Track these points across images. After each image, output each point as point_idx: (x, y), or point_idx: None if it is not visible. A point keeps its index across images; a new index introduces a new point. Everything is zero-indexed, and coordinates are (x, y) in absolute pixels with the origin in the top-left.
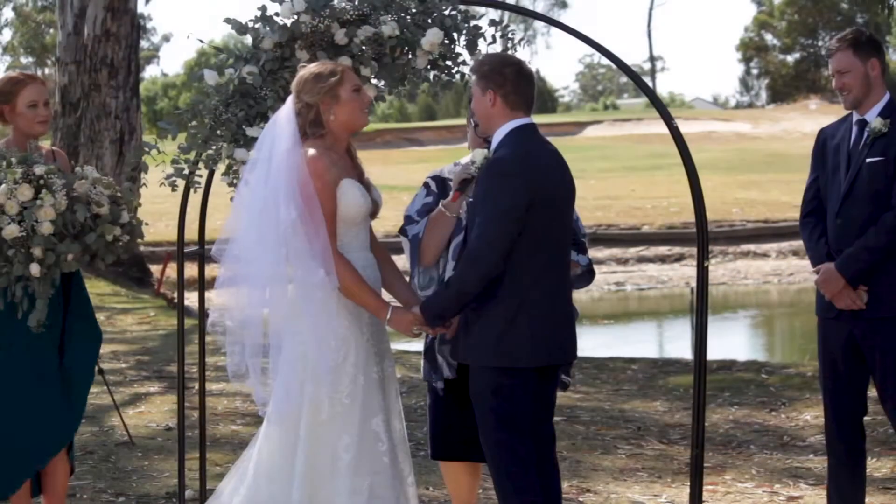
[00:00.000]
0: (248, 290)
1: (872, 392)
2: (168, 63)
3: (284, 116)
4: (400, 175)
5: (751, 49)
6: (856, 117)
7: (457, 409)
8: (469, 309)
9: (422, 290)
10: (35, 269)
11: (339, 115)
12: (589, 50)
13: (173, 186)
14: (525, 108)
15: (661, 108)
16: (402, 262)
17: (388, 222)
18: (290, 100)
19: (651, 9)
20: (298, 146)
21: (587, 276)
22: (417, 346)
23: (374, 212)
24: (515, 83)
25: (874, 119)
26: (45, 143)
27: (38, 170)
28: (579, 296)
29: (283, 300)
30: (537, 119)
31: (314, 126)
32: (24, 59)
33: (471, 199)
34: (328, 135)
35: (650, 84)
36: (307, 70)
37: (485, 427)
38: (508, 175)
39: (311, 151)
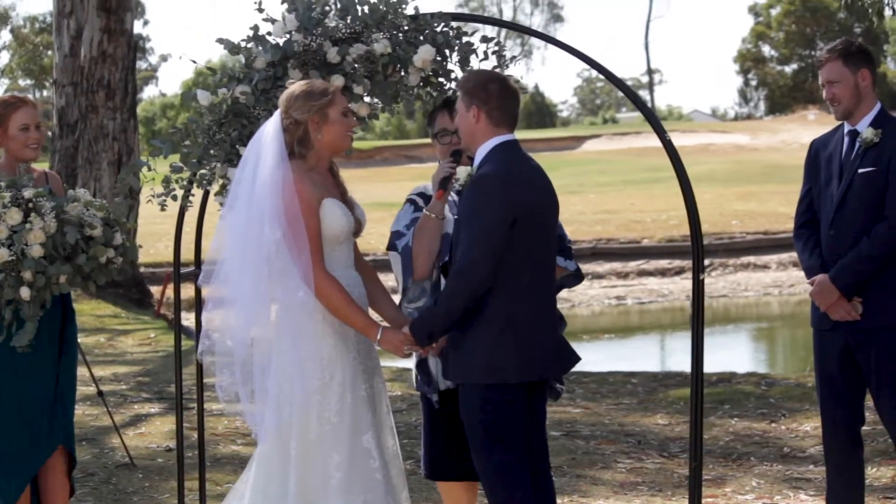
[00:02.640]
0: (235, 313)
1: (870, 402)
2: (166, 83)
3: (270, 132)
4: (399, 192)
5: (748, 60)
6: (847, 128)
7: (454, 426)
8: (456, 328)
9: (413, 303)
10: (25, 292)
11: (326, 135)
12: (586, 64)
13: (163, 206)
14: (509, 125)
15: (654, 120)
16: (389, 281)
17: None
18: (276, 115)
19: (648, 22)
20: (284, 162)
21: (574, 278)
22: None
23: (356, 230)
24: (500, 99)
25: (865, 129)
26: (41, 166)
27: (27, 193)
28: (580, 311)
29: (267, 320)
30: (536, 134)
31: (301, 144)
32: (22, 82)
33: (452, 199)
34: (312, 154)
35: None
36: (297, 86)
37: (477, 445)
38: (492, 192)
39: (293, 174)
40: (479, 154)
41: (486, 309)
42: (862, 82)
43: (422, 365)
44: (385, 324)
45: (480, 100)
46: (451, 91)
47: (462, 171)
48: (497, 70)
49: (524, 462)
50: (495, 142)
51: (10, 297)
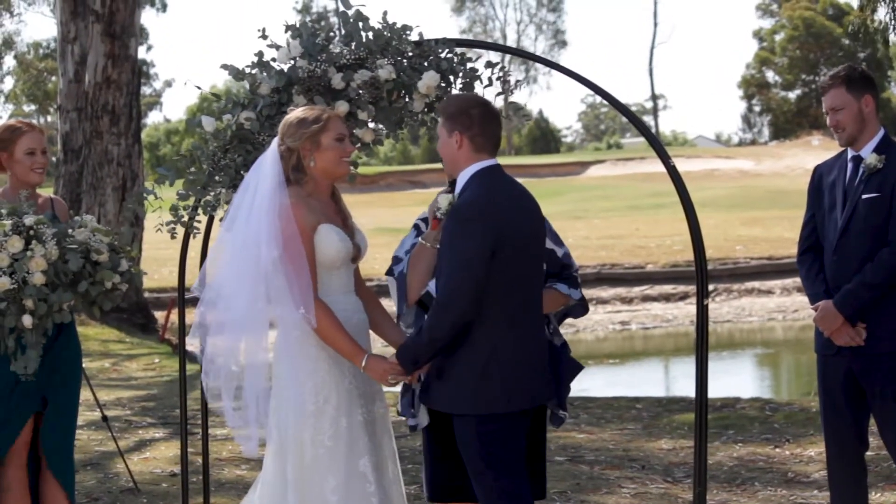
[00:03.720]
0: (229, 334)
1: (874, 427)
2: (171, 109)
3: (269, 158)
4: (403, 217)
5: (752, 86)
6: (851, 154)
7: (451, 448)
8: (442, 356)
9: (409, 328)
10: (27, 320)
11: (319, 161)
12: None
13: (172, 234)
14: (491, 150)
15: (658, 146)
16: (389, 305)
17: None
18: (274, 142)
19: (652, 47)
20: (282, 187)
21: (580, 308)
22: None
23: (355, 256)
24: (482, 125)
25: (869, 155)
26: (47, 191)
27: (28, 220)
28: (584, 336)
29: (264, 342)
30: (540, 159)
31: (296, 171)
32: (26, 107)
33: None
34: (309, 181)
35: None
36: (293, 114)
37: (477, 474)
38: (471, 221)
39: (289, 199)
40: (461, 180)
41: (470, 338)
42: (865, 108)
43: (405, 390)
44: (375, 352)
45: (463, 125)
46: None
47: (443, 199)
48: (501, 96)
49: (526, 487)
50: (477, 167)
51: (13, 325)
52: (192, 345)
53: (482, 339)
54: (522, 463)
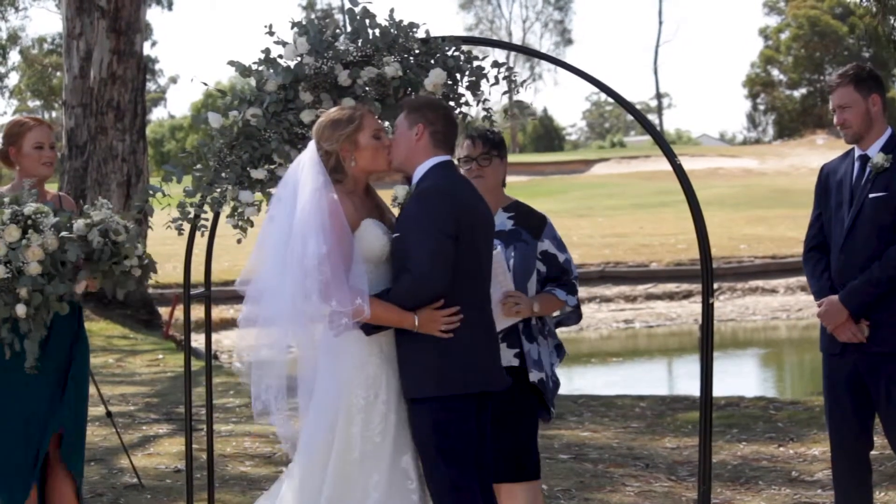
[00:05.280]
0: (272, 328)
1: (879, 426)
2: (175, 105)
3: (308, 160)
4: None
5: (757, 85)
6: (858, 153)
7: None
8: (403, 342)
9: None
10: (21, 309)
11: (359, 161)
12: (595, 87)
13: (179, 230)
14: (447, 150)
15: (664, 145)
16: None
17: None
18: (312, 144)
19: (657, 46)
20: (328, 185)
21: (574, 316)
22: None
23: None
24: (446, 125)
25: (876, 154)
26: (52, 187)
27: (27, 210)
28: (588, 334)
29: (309, 337)
30: (545, 157)
31: (335, 172)
32: (31, 103)
33: None
34: (349, 179)
35: (657, 121)
36: (326, 116)
37: (429, 464)
38: (434, 204)
39: (335, 196)
40: (419, 172)
41: None
42: (873, 107)
43: None
44: None
45: (427, 119)
46: (460, 114)
47: (401, 189)
48: (506, 94)
49: (475, 481)
50: (435, 160)
51: (6, 315)
52: (196, 341)
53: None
54: (472, 454)
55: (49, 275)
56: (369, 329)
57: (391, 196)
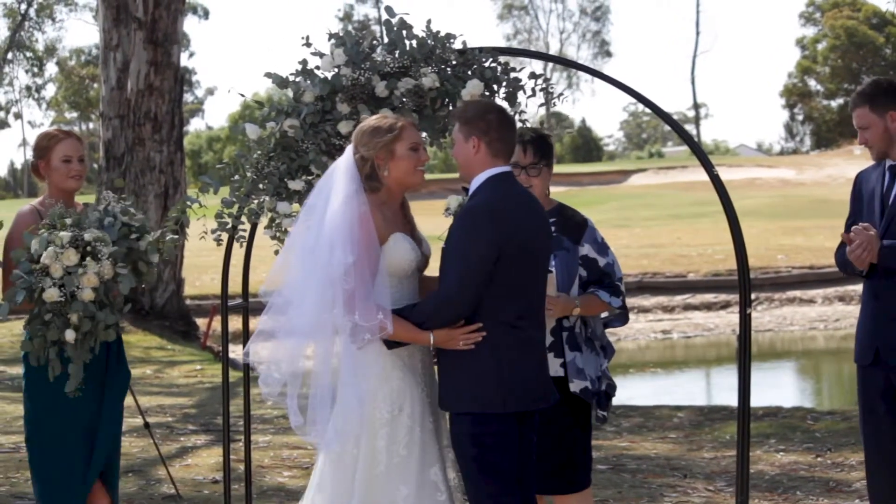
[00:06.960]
0: (297, 340)
1: None
2: (212, 116)
3: (342, 166)
4: (446, 226)
5: (794, 95)
6: (889, 163)
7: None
8: (443, 355)
9: None
10: (70, 335)
11: (393, 171)
12: (633, 98)
13: (218, 241)
14: (506, 156)
15: (702, 156)
16: None
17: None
18: (349, 149)
19: (694, 56)
20: (360, 193)
21: (622, 317)
22: None
23: (423, 265)
24: (500, 129)
25: None
26: (86, 199)
27: (88, 236)
28: (626, 344)
29: (330, 348)
30: (582, 168)
31: (370, 179)
32: (68, 114)
33: None
34: (383, 189)
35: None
36: (367, 122)
37: (468, 476)
38: (479, 225)
39: (366, 206)
40: (474, 184)
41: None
42: (892, 124)
43: None
44: None
45: (480, 130)
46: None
47: (453, 200)
48: (543, 106)
49: (518, 496)
50: (490, 173)
51: (55, 337)
52: (234, 352)
53: (482, 339)
54: (514, 470)
55: (100, 302)
56: (390, 344)
57: (444, 205)
